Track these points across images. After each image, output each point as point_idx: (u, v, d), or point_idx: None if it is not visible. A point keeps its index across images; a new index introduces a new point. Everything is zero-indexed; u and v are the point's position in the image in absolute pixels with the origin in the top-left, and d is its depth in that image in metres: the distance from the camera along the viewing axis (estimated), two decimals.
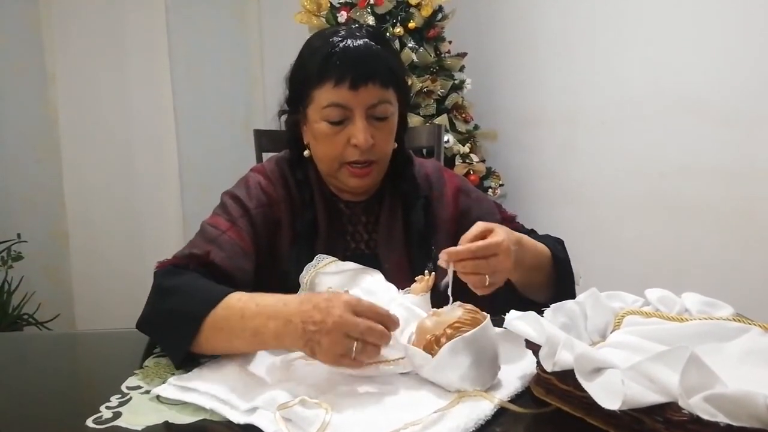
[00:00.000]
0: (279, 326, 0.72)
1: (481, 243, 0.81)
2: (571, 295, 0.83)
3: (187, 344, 0.77)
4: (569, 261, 1.00)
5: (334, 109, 0.94)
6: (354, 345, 0.67)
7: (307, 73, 0.97)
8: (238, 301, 0.78)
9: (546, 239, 1.02)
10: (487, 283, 0.80)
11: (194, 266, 0.89)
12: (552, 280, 0.97)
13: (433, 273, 0.86)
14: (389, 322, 0.71)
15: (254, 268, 0.96)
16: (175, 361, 0.79)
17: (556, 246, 1.01)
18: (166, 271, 0.87)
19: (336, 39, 0.95)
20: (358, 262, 0.94)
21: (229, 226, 0.96)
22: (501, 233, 0.83)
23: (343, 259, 0.95)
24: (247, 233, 0.96)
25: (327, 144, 0.97)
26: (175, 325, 0.79)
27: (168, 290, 0.83)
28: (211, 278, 0.87)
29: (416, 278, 0.86)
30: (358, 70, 0.93)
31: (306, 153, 1.03)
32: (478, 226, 0.84)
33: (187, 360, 0.79)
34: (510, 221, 1.09)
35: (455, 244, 0.82)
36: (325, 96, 0.94)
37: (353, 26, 1.01)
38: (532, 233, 1.07)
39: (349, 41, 0.94)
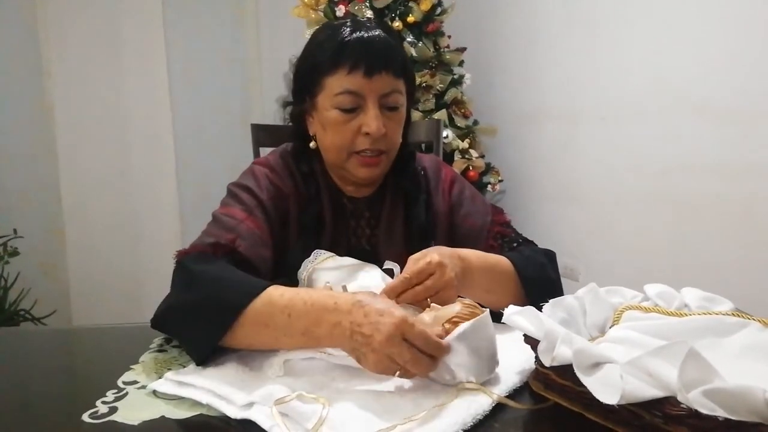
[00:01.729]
0: (329, 329, 0.69)
1: (413, 269, 0.79)
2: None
3: (218, 336, 0.74)
4: (544, 278, 0.93)
5: (347, 97, 0.93)
6: (397, 370, 0.65)
7: (319, 60, 0.95)
8: (281, 297, 0.73)
9: (531, 253, 0.98)
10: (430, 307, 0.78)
11: (221, 254, 0.85)
12: (520, 298, 0.90)
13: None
14: (439, 351, 0.66)
15: (272, 258, 0.94)
16: (198, 354, 0.75)
17: (529, 261, 0.93)
18: (194, 258, 0.82)
19: (348, 29, 0.94)
20: (358, 258, 0.93)
21: (246, 215, 0.93)
22: (433, 254, 0.81)
23: (345, 254, 0.95)
24: (264, 222, 0.94)
25: (337, 132, 0.96)
26: (206, 315, 0.75)
27: (198, 277, 0.78)
28: (236, 267, 0.83)
29: None
30: (373, 58, 0.92)
31: (312, 144, 1.02)
32: (410, 262, 0.81)
33: (208, 355, 0.75)
34: (502, 225, 1.05)
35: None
36: (338, 83, 0.93)
37: (361, 19, 1.01)
38: (526, 243, 1.04)
39: (362, 31, 0.94)
